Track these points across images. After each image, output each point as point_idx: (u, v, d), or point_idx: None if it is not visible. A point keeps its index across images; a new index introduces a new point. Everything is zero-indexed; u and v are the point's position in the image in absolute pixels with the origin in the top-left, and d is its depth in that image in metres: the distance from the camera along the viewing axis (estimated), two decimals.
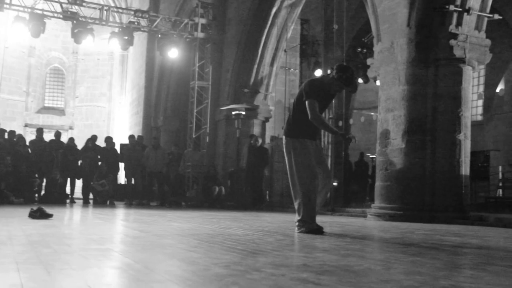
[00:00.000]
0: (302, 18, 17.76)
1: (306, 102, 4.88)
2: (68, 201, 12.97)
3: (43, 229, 4.59)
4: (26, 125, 25.27)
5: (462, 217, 8.09)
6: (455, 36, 8.39)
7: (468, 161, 8.57)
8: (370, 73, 9.78)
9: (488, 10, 8.72)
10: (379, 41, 9.18)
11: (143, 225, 5.76)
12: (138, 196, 13.71)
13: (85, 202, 13.04)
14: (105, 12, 14.77)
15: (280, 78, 16.30)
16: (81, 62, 27.30)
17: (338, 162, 14.62)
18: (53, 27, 22.31)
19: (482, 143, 15.96)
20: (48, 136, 14.44)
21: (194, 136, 15.30)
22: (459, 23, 8.47)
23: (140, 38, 18.88)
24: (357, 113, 21.06)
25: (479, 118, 18.54)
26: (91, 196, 13.28)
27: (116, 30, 14.96)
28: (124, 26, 15.00)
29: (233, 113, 14.41)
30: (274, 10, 14.15)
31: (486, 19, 8.70)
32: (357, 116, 20.90)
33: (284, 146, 5.13)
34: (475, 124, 12.72)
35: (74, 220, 7.23)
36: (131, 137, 14.84)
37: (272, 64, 15.03)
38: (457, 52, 8.39)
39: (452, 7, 8.32)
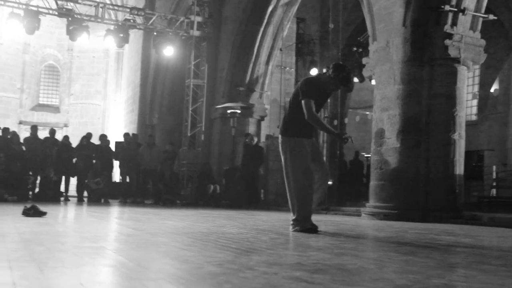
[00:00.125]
0: (298, 17, 17.78)
1: (303, 101, 4.87)
2: (62, 199, 12.93)
3: (37, 227, 4.58)
4: (20, 123, 25.15)
5: (456, 216, 8.12)
6: (450, 36, 8.42)
7: (462, 160, 8.61)
8: (365, 72, 9.80)
9: (483, 10, 8.74)
10: (374, 40, 9.20)
11: (137, 223, 5.76)
12: (133, 194, 13.68)
13: (79, 200, 13.01)
14: (100, 9, 14.72)
15: (275, 76, 16.30)
16: (76, 59, 27.18)
17: (333, 161, 14.65)
18: (48, 24, 22.19)
19: (476, 143, 16.01)
20: (43, 134, 14.39)
21: (189, 135, 15.28)
22: (454, 23, 8.49)
23: (135, 36, 18.82)
24: (352, 112, 21.11)
25: (474, 118, 18.60)
26: (85, 194, 13.25)
27: (112, 27, 14.92)
28: (120, 23, 14.97)
29: (229, 111, 14.40)
30: (270, 8, 14.14)
31: (481, 19, 8.73)
32: (352, 115, 20.96)
33: (280, 145, 5.12)
34: (469, 124, 12.76)
35: (68, 218, 7.22)
36: (126, 135, 14.81)
37: (267, 63, 15.02)
38: (452, 52, 8.41)
39: (447, 7, 8.34)
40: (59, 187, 13.14)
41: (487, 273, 2.66)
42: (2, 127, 13.09)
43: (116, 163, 14.36)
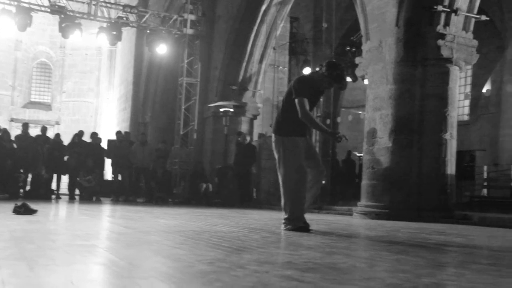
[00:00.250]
0: (292, 16, 17.80)
1: (296, 100, 4.87)
2: (53, 196, 12.88)
3: (27, 225, 4.55)
4: (12, 120, 25.01)
5: (447, 216, 8.16)
6: (442, 36, 8.45)
7: (454, 160, 8.65)
8: (358, 72, 9.81)
9: (475, 11, 8.78)
10: (367, 40, 9.22)
11: (129, 222, 5.74)
12: (125, 192, 13.64)
13: (71, 198, 12.96)
14: (93, 6, 14.66)
15: (268, 75, 16.31)
16: (68, 56, 27.05)
17: (326, 161, 14.68)
18: (41, 21, 22.07)
19: (468, 143, 16.09)
20: (34, 131, 14.31)
21: (182, 133, 15.26)
22: (446, 24, 8.53)
23: (128, 34, 18.77)
24: (345, 111, 21.17)
25: (466, 118, 18.70)
26: (77, 192, 13.20)
27: (105, 25, 14.86)
28: (113, 21, 14.91)
29: (221, 110, 14.39)
30: (263, 7, 14.14)
31: (473, 19, 8.77)
32: (345, 114, 21.02)
33: (273, 144, 5.11)
34: (461, 124, 12.83)
35: (60, 216, 7.18)
36: (118, 133, 14.77)
37: (261, 62, 15.02)
38: (445, 52, 8.45)
39: (440, 8, 8.37)
40: (50, 185, 13.09)
41: (477, 272, 2.67)
42: None
43: (108, 161, 14.31)
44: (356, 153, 16.71)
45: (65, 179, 13.50)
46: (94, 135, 14.06)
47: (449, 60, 8.49)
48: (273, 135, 5.15)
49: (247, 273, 2.26)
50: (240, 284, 2.02)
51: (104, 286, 2.06)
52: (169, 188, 13.90)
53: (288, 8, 14.62)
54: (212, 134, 15.05)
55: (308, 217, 5.22)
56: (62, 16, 14.11)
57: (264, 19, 14.39)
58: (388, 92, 8.64)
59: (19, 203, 6.12)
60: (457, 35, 8.56)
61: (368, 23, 9.17)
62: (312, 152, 5.17)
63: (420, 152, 8.45)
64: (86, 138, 14.02)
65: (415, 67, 8.56)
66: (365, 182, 8.93)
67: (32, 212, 5.94)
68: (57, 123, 26.28)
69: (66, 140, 13.85)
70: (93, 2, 14.74)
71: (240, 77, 14.86)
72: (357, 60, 9.71)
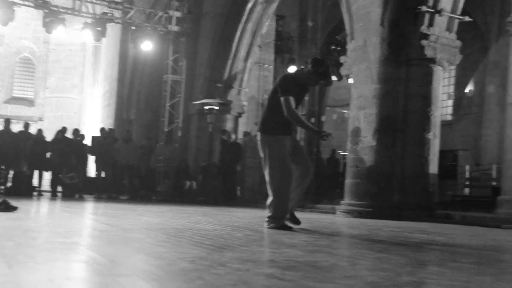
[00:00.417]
0: (278, 14, 17.79)
1: (282, 99, 4.87)
2: (35, 193, 12.74)
3: (7, 222, 4.49)
4: None
5: (430, 214, 8.24)
6: (426, 36, 8.53)
7: (437, 160, 8.73)
8: (343, 71, 9.85)
9: (459, 12, 8.87)
10: (352, 39, 9.27)
11: (111, 219, 5.70)
12: (108, 189, 13.55)
13: (53, 195, 12.83)
14: (78, 1, 14.52)
15: (254, 73, 16.29)
16: (52, 52, 26.73)
17: (311, 159, 14.69)
18: (24, 15, 21.75)
19: (451, 142, 16.23)
20: (17, 127, 14.14)
21: (166, 130, 15.20)
22: (430, 24, 8.61)
23: (113, 30, 18.60)
24: (330, 110, 21.23)
25: (449, 118, 18.87)
26: (60, 189, 13.07)
27: (89, 20, 14.73)
28: (97, 17, 14.78)
29: (206, 107, 14.35)
30: (249, 5, 14.13)
31: (457, 20, 8.86)
32: (330, 113, 21.08)
33: (259, 143, 5.09)
34: (444, 124, 12.95)
35: (41, 213, 7.11)
36: (102, 129, 14.66)
37: (246, 60, 15.01)
38: (428, 52, 8.52)
39: (424, 8, 8.45)
40: (31, 182, 12.95)
41: (457, 271, 2.70)
42: None
43: (91, 158, 14.20)
44: (340, 151, 16.78)
45: (47, 175, 13.36)
46: (76, 131, 13.92)
47: (432, 60, 8.57)
48: (258, 133, 5.13)
49: (229, 271, 2.26)
50: (221, 282, 2.02)
51: (84, 284, 2.04)
52: (153, 185, 13.83)
53: (274, 6, 14.63)
54: (196, 132, 15.01)
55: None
56: (46, 11, 13.96)
57: (250, 17, 14.38)
58: (372, 91, 8.70)
59: None
60: (441, 36, 8.65)
61: (353, 22, 9.22)
62: (299, 149, 5.17)
63: (403, 151, 8.52)
64: (70, 134, 13.88)
65: (399, 66, 8.63)
66: (348, 181, 8.98)
67: (12, 209, 5.86)
68: (40, 119, 25.96)
69: (49, 136, 13.70)
70: None
71: (226, 75, 14.83)
72: (342, 59, 9.76)
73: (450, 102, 19.11)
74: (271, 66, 17.88)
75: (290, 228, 4.82)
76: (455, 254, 3.65)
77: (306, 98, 13.79)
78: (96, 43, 22.95)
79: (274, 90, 5.06)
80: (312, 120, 13.48)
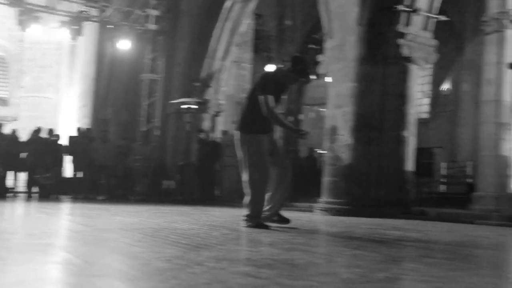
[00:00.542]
0: (256, 13, 17.78)
1: (261, 97, 4.86)
2: (10, 194, 12.53)
3: None
4: None
5: (406, 211, 8.33)
6: (403, 35, 8.61)
7: (413, 157, 8.83)
8: (321, 70, 9.90)
9: (435, 11, 8.98)
10: (330, 38, 9.32)
11: (87, 219, 5.64)
12: (85, 190, 13.39)
13: (29, 196, 12.63)
14: None
15: (232, 72, 16.25)
16: (27, 50, 26.31)
17: (288, 157, 14.74)
18: None
19: (427, 140, 16.43)
20: None
21: (143, 129, 15.08)
22: (407, 23, 8.70)
23: (90, 28, 18.37)
24: (308, 108, 21.31)
25: (425, 116, 19.10)
26: (36, 190, 12.87)
27: (65, 19, 14.53)
28: (74, 15, 14.59)
29: (183, 106, 14.28)
30: (228, 4, 14.10)
31: (433, 19, 8.97)
32: (308, 111, 21.16)
33: (237, 141, 5.07)
34: (421, 122, 13.08)
35: (15, 214, 7.00)
36: (78, 129, 14.49)
37: (224, 59, 14.98)
38: (405, 51, 8.61)
39: (401, 7, 8.54)
40: (4, 183, 12.73)
41: (431, 266, 2.74)
42: None
43: (68, 158, 14.01)
44: (318, 150, 16.85)
45: (22, 176, 13.14)
46: (50, 131, 13.73)
47: (408, 59, 8.66)
48: (237, 132, 5.11)
49: (205, 270, 2.26)
50: (196, 281, 2.01)
51: (58, 285, 2.02)
52: (130, 185, 13.71)
53: (252, 5, 14.62)
54: (174, 131, 14.93)
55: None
56: (21, 8, 13.73)
57: (228, 16, 14.35)
58: (349, 89, 8.76)
59: None
60: (417, 35, 8.74)
61: (331, 21, 9.27)
62: (276, 150, 5.18)
63: (379, 149, 8.60)
64: (45, 134, 13.68)
65: (376, 65, 8.71)
66: (326, 179, 9.03)
67: None
68: (15, 119, 25.53)
69: (25, 136, 13.48)
70: None
71: (203, 74, 14.78)
72: (320, 58, 9.80)
73: (427, 100, 19.34)
74: (249, 65, 17.86)
75: (267, 227, 4.82)
76: (430, 250, 3.70)
77: (285, 96, 13.84)
78: (73, 42, 22.66)
79: (253, 88, 5.06)
80: (290, 118, 13.52)
